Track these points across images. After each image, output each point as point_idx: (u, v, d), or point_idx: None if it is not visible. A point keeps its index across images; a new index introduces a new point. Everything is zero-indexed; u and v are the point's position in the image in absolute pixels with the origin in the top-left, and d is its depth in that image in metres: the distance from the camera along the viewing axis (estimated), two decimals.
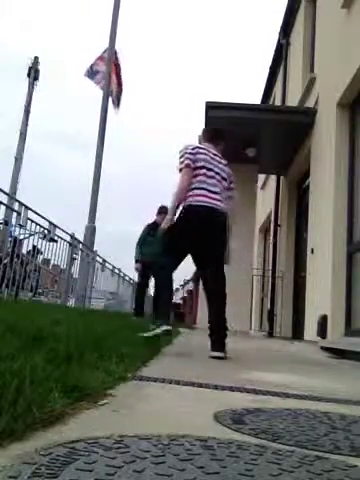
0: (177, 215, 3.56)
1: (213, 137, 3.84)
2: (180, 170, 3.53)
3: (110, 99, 9.51)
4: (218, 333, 3.32)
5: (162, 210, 6.71)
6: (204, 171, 3.52)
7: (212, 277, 3.50)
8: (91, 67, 9.93)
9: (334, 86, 5.98)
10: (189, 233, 3.47)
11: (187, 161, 3.51)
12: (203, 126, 7.50)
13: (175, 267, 3.59)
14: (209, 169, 3.54)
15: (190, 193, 3.47)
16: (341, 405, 1.74)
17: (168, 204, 3.76)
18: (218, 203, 3.48)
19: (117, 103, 10.02)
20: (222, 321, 3.39)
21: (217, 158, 3.68)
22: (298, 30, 9.05)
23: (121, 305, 11.56)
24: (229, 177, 3.72)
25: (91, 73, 9.91)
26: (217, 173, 3.58)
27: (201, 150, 3.60)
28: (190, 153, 3.53)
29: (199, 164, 3.52)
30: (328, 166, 6.03)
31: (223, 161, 3.73)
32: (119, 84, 10.03)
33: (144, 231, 7.42)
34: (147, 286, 7.84)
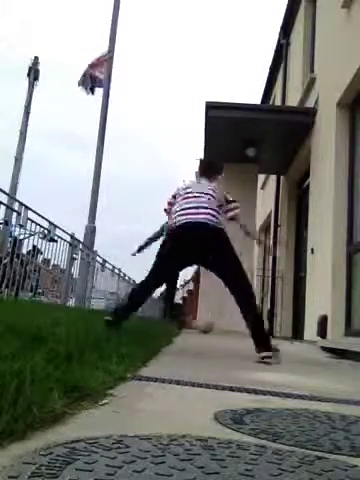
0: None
1: (205, 171, 3.89)
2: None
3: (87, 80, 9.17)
4: (261, 334, 3.26)
5: None
6: (181, 197, 3.62)
7: (236, 290, 3.42)
8: (89, 76, 9.61)
9: (334, 86, 5.98)
10: (179, 254, 3.57)
11: (165, 206, 3.79)
12: (203, 126, 7.51)
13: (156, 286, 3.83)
14: (187, 193, 3.63)
15: (172, 220, 3.62)
16: (341, 405, 1.74)
17: None
18: (202, 216, 3.45)
19: (90, 85, 9.63)
20: (260, 323, 3.34)
21: (201, 184, 3.72)
22: (298, 30, 9.05)
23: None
24: (218, 195, 3.65)
25: (86, 82, 9.60)
26: (199, 192, 3.60)
27: (181, 187, 3.74)
28: (169, 203, 3.78)
29: (178, 198, 3.66)
30: (328, 166, 6.03)
31: (210, 185, 3.71)
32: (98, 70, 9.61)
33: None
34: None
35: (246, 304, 3.36)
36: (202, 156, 8.58)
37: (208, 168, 3.96)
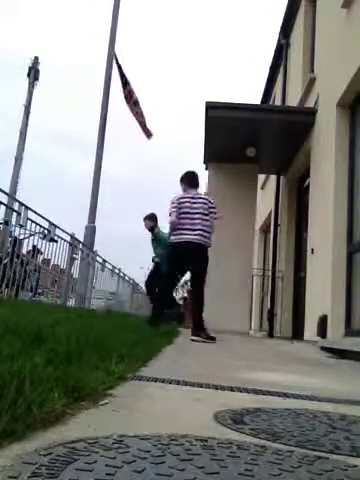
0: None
1: (192, 183, 5.27)
2: (170, 215, 5.08)
3: (139, 128, 9.71)
4: (195, 316, 5.03)
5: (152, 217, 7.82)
6: (185, 215, 5.01)
7: (193, 284, 5.31)
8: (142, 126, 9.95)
9: (334, 86, 5.98)
10: (177, 259, 5.16)
11: (173, 211, 5.04)
12: (203, 126, 7.51)
13: (173, 282, 5.52)
14: (188, 213, 5.01)
15: (175, 233, 5.05)
16: (341, 405, 1.74)
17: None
18: (195, 237, 4.95)
19: (147, 132, 10.07)
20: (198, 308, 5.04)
21: (195, 200, 5.07)
22: (298, 30, 9.05)
23: (121, 305, 11.56)
24: (209, 206, 5.07)
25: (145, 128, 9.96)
26: (196, 212, 5.01)
27: (181, 200, 5.08)
28: (176, 205, 5.04)
29: (182, 211, 5.02)
30: (328, 166, 6.03)
31: (200, 199, 5.11)
32: (141, 115, 9.97)
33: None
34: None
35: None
36: (202, 156, 8.59)
37: (193, 180, 5.28)
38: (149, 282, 8.18)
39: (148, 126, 10.10)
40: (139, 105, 9.89)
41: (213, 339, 4.69)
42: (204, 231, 4.98)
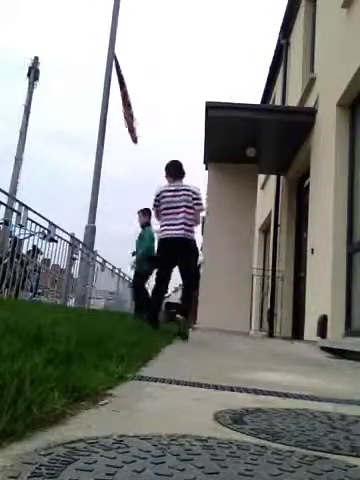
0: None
1: (177, 173, 5.03)
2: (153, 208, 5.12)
3: (126, 130, 9.70)
4: (184, 309, 4.90)
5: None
6: (166, 210, 4.85)
7: (186, 280, 4.96)
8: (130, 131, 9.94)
9: (334, 86, 5.98)
10: (165, 257, 4.93)
11: (153, 207, 5.06)
12: (203, 126, 7.51)
13: (167, 277, 5.07)
14: (169, 208, 4.83)
15: (160, 229, 4.95)
16: (341, 405, 1.74)
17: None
18: (178, 232, 4.76)
19: (134, 137, 10.05)
20: (190, 303, 5.10)
21: (177, 193, 4.86)
22: (298, 30, 9.04)
23: (121, 305, 11.56)
24: (193, 197, 4.85)
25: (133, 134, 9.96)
26: (179, 206, 4.80)
27: (163, 193, 4.90)
28: (155, 199, 4.96)
29: (162, 206, 4.88)
30: (328, 166, 6.03)
31: (183, 191, 4.86)
32: (131, 118, 9.95)
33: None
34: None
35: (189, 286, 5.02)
36: (202, 156, 8.59)
37: (178, 171, 5.04)
38: (134, 284, 8.04)
39: (138, 130, 10.10)
40: (131, 108, 9.89)
41: (185, 338, 4.64)
42: (186, 224, 4.76)
